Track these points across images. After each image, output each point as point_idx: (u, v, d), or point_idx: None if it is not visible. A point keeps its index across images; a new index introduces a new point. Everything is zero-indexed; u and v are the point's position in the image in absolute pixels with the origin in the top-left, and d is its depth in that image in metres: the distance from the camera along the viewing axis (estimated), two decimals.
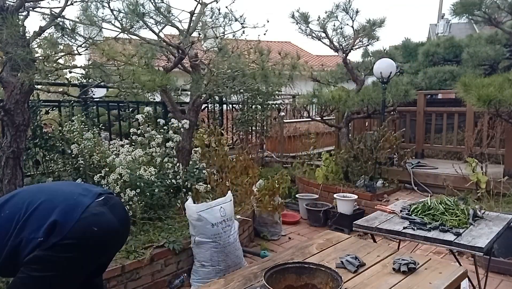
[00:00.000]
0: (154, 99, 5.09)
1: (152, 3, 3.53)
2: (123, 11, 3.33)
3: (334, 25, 5.87)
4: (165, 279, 3.13)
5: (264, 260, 2.17)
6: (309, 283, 1.78)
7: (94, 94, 4.72)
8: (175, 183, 3.80)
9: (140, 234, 3.26)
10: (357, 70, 6.42)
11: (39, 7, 2.83)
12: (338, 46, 6.01)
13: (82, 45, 2.90)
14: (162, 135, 3.91)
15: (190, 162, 4.25)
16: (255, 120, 6.33)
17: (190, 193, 3.77)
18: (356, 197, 4.70)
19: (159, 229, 3.39)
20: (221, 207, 3.23)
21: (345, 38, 5.98)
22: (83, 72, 3.38)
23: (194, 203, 3.30)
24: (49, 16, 2.78)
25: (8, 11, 2.55)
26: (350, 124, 6.45)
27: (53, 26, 2.77)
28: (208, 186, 3.94)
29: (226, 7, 3.80)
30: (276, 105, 7.07)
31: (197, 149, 4.42)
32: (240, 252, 3.30)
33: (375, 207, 3.10)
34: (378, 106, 5.68)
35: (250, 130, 6.49)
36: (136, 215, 3.33)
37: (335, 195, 4.76)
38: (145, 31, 3.56)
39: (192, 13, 3.72)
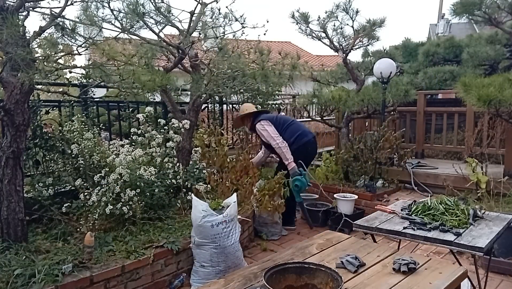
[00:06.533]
0: (154, 99, 5.09)
1: (152, 3, 3.53)
2: (123, 11, 3.33)
3: (334, 25, 5.88)
4: (165, 279, 3.13)
5: (264, 260, 2.17)
6: (309, 283, 1.78)
7: (94, 94, 4.72)
8: (175, 183, 3.80)
9: (140, 234, 3.26)
10: (357, 70, 6.42)
11: (39, 7, 2.82)
12: (338, 46, 6.01)
13: (82, 45, 2.89)
14: (162, 136, 3.91)
15: (190, 162, 4.25)
16: None
17: (190, 193, 3.77)
18: (356, 197, 4.70)
19: (159, 229, 3.38)
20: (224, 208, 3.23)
21: (345, 38, 5.97)
22: (83, 72, 3.37)
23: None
24: (49, 16, 2.77)
25: (8, 11, 2.54)
26: (350, 124, 6.44)
27: (53, 26, 2.76)
28: (208, 186, 3.94)
29: (226, 7, 3.80)
30: (276, 105, 7.05)
31: (197, 148, 4.42)
32: (240, 253, 3.29)
33: (375, 207, 3.10)
34: (378, 106, 5.68)
35: None
36: (136, 215, 3.33)
37: (335, 195, 4.76)
38: (145, 31, 3.56)
39: (192, 13, 3.72)
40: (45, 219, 3.41)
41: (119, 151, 3.76)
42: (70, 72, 4.16)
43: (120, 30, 3.29)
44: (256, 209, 4.23)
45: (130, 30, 3.37)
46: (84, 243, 2.80)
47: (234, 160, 4.54)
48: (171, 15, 3.70)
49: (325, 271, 1.75)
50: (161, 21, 3.65)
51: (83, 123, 3.77)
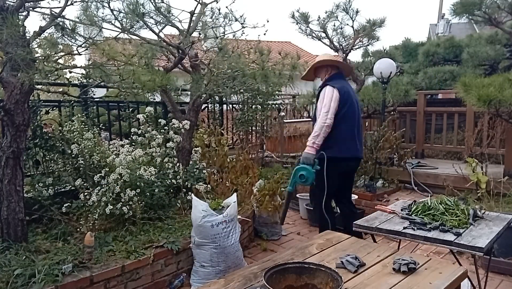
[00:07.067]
0: (154, 99, 5.09)
1: (152, 3, 3.53)
2: (123, 11, 3.33)
3: (334, 25, 5.89)
4: (165, 279, 3.13)
5: (264, 260, 2.17)
6: (309, 283, 1.78)
7: (94, 94, 4.72)
8: (175, 183, 3.80)
9: (140, 234, 3.25)
10: (357, 70, 6.42)
11: (39, 7, 2.82)
12: (338, 46, 6.01)
13: (82, 45, 2.89)
14: (162, 136, 3.91)
15: (190, 162, 4.25)
16: (255, 120, 6.32)
17: (190, 193, 3.77)
18: (356, 197, 4.70)
19: (159, 229, 3.38)
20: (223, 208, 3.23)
21: (345, 38, 5.98)
22: (83, 72, 3.38)
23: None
24: (49, 16, 2.77)
25: (8, 11, 2.54)
26: None
27: (53, 26, 2.76)
28: (208, 186, 3.94)
29: (226, 7, 3.80)
30: (276, 105, 7.06)
31: (197, 148, 4.42)
32: (240, 253, 3.29)
33: (375, 207, 3.10)
34: (378, 106, 5.68)
35: (250, 130, 6.49)
36: (136, 215, 3.33)
37: None
38: (145, 31, 3.56)
39: (192, 13, 3.72)
40: (45, 219, 3.41)
41: (119, 151, 3.76)
42: (70, 72, 4.15)
43: (120, 30, 3.29)
44: (256, 209, 4.23)
45: (130, 30, 3.37)
46: (84, 243, 2.80)
47: (234, 160, 4.54)
48: (171, 15, 3.70)
49: (325, 271, 1.75)
50: (161, 21, 3.65)
51: (83, 123, 3.77)
